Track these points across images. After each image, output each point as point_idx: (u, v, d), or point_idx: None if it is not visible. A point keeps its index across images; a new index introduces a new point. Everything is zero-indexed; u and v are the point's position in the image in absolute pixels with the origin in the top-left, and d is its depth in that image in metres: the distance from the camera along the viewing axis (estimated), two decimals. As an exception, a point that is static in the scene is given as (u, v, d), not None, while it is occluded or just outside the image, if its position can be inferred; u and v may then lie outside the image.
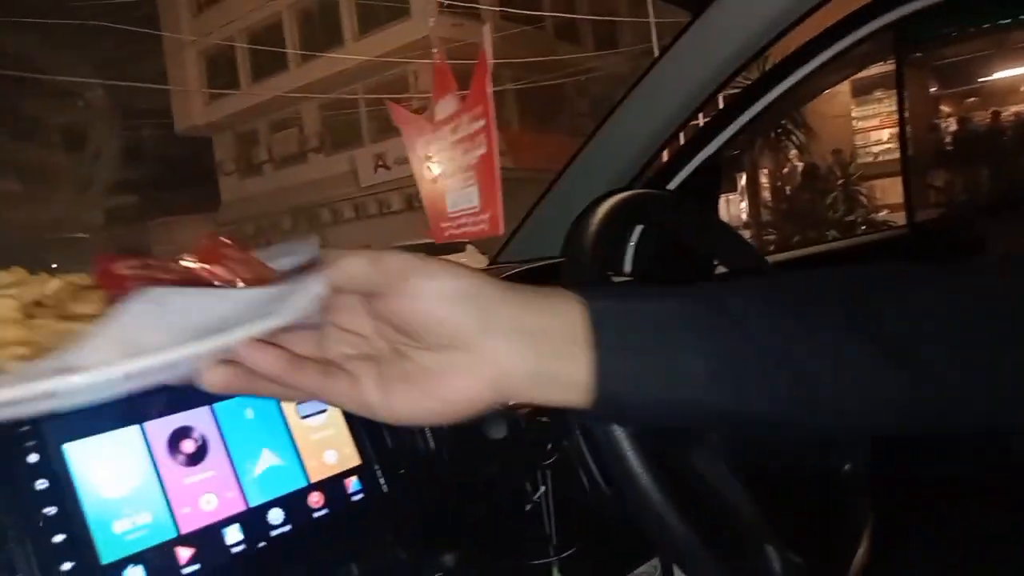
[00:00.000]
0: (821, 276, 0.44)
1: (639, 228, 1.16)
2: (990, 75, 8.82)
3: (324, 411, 0.67)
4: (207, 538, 0.57)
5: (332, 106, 17.53)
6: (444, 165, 0.51)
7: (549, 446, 0.74)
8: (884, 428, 0.45)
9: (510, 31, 14.93)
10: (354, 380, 0.40)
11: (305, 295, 0.36)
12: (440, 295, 0.38)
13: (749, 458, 0.67)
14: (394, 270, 0.38)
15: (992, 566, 0.98)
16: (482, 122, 0.45)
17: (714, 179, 1.19)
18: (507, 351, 0.38)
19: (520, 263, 0.91)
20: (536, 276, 0.90)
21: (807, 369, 0.40)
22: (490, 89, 0.44)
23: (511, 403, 0.42)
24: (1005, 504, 1.05)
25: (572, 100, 16.24)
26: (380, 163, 16.14)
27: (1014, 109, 8.16)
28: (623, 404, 0.41)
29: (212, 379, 0.38)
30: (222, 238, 0.36)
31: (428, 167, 0.52)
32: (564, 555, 0.75)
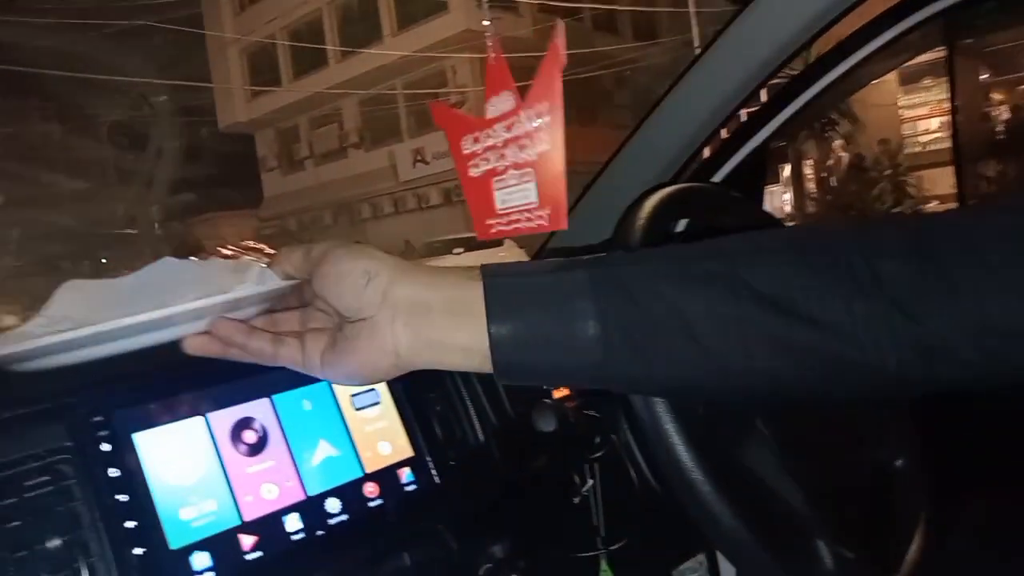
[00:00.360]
0: (707, 244, 0.47)
1: (684, 221, 1.16)
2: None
3: (378, 403, 0.69)
4: (269, 526, 0.59)
5: (371, 102, 17.69)
6: (494, 163, 0.51)
7: (598, 440, 0.74)
8: (782, 387, 0.45)
9: (549, 23, 14.88)
10: (300, 347, 0.49)
11: (253, 280, 0.48)
12: (348, 275, 0.46)
13: (800, 453, 0.67)
14: (316, 257, 0.47)
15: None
16: (547, 118, 0.45)
17: (759, 171, 1.18)
18: (402, 322, 0.45)
19: (565, 255, 0.91)
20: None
21: (696, 330, 0.43)
22: (560, 86, 0.44)
23: (418, 367, 0.48)
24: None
25: (611, 92, 16.14)
26: (419, 158, 16.25)
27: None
28: (521, 368, 0.45)
29: (192, 343, 0.49)
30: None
31: (474, 164, 0.52)
32: (613, 548, 0.75)
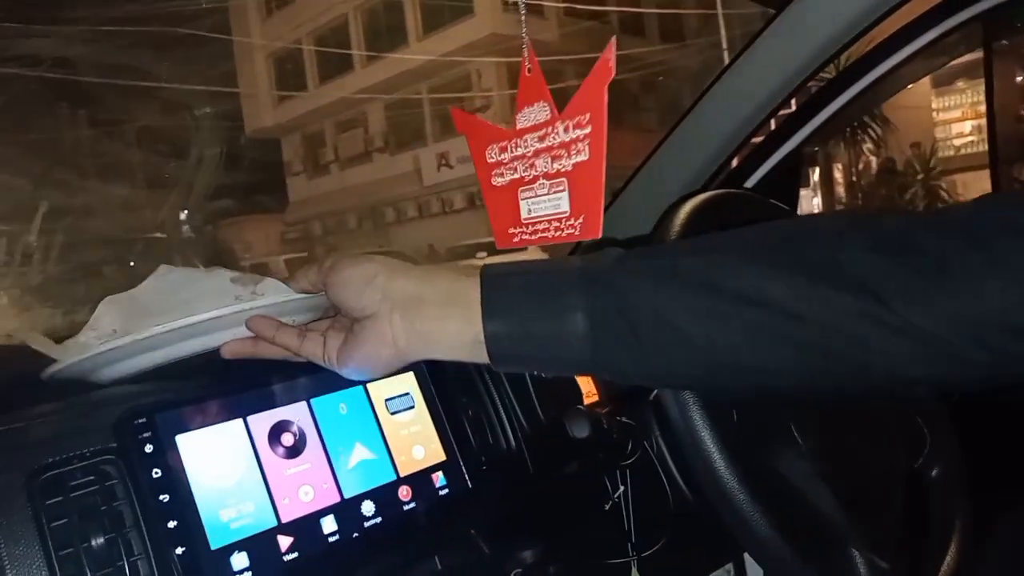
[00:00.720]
0: (696, 241, 0.48)
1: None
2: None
3: (412, 408, 0.69)
4: (305, 527, 0.59)
5: (396, 106, 17.80)
6: (521, 172, 0.51)
7: (630, 446, 0.74)
8: (773, 383, 0.46)
9: (575, 27, 14.88)
10: (322, 343, 0.55)
11: (275, 296, 0.57)
12: (351, 280, 0.52)
13: (835, 461, 0.66)
14: (326, 269, 0.54)
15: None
16: (588, 129, 0.45)
17: (793, 176, 1.17)
18: (399, 315, 0.50)
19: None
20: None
21: (682, 328, 0.44)
22: (604, 99, 0.44)
23: (416, 359, 0.53)
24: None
25: (637, 96, 16.09)
26: (443, 162, 16.32)
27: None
28: (515, 358, 0.48)
29: (228, 348, 0.58)
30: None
31: (499, 174, 0.53)
32: (644, 555, 0.75)
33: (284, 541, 0.58)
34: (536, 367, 0.51)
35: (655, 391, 0.78)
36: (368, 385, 0.68)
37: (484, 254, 10.95)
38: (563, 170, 0.48)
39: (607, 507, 0.76)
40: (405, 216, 18.36)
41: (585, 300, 0.45)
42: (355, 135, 19.11)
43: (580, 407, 0.73)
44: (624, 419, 0.75)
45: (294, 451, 0.61)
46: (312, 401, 0.64)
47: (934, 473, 0.75)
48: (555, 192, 0.49)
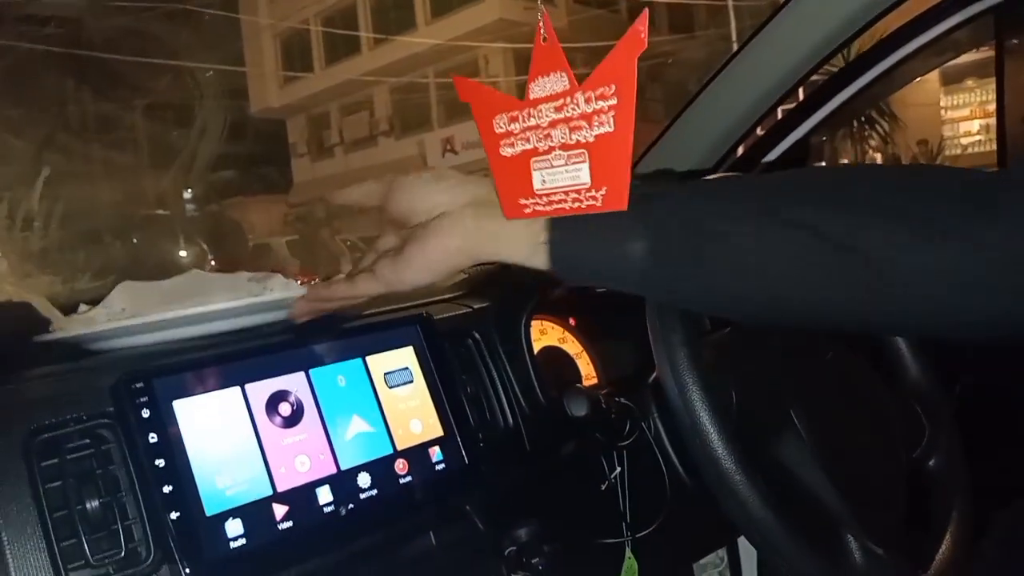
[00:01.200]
0: (751, 179, 0.51)
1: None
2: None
3: (410, 382, 0.69)
4: (301, 497, 0.59)
5: (403, 90, 17.74)
6: (535, 143, 0.50)
7: (628, 427, 0.74)
8: (822, 311, 0.46)
9: (584, 15, 14.80)
10: (372, 275, 0.56)
11: (280, 288, 0.65)
12: (421, 182, 0.55)
13: (834, 447, 0.66)
14: (388, 181, 0.56)
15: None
16: (613, 101, 0.45)
17: (799, 166, 1.16)
18: (471, 215, 0.52)
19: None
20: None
21: (741, 258, 0.45)
22: (634, 69, 0.44)
23: (481, 262, 0.53)
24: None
25: (644, 86, 15.91)
26: (448, 147, 16.28)
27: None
28: (574, 263, 0.50)
29: (295, 310, 0.63)
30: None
31: (509, 144, 0.52)
32: (638, 535, 0.75)
33: (279, 510, 0.58)
34: (594, 279, 0.53)
35: (654, 374, 0.78)
36: (367, 358, 0.68)
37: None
38: (583, 141, 0.47)
39: (603, 488, 0.76)
40: (409, 200, 18.29)
41: (648, 217, 0.47)
42: (361, 118, 19.04)
43: (580, 386, 0.73)
44: (623, 400, 0.75)
45: (291, 421, 0.61)
46: (311, 372, 0.64)
47: (932, 463, 0.75)
48: (574, 163, 0.48)
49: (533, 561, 0.67)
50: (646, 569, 0.77)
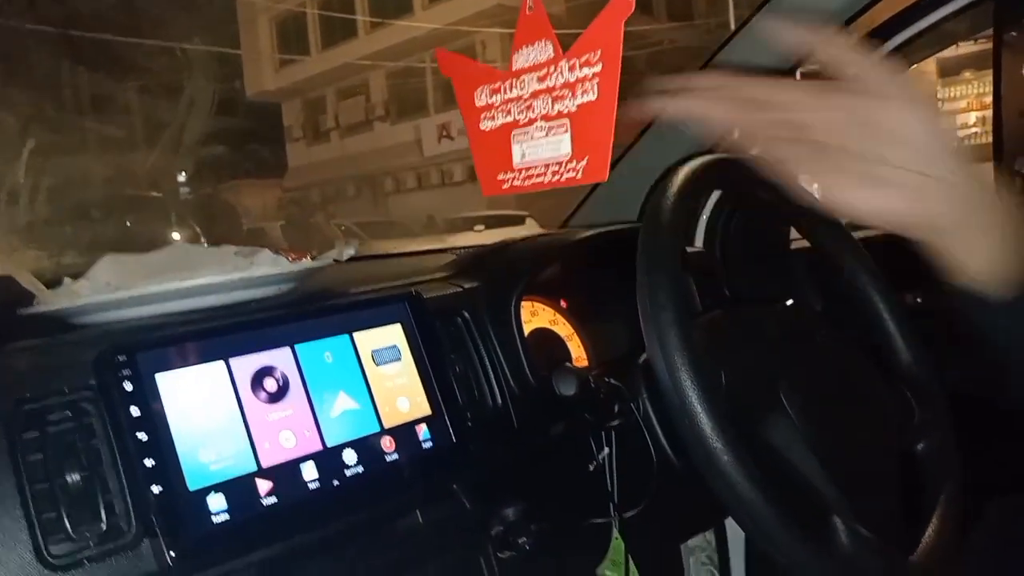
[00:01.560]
0: None
1: (710, 205, 1.15)
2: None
3: (398, 360, 0.69)
4: (285, 473, 0.59)
5: (399, 75, 17.62)
6: (515, 115, 0.49)
7: (616, 407, 0.74)
8: None
9: (580, 1, 14.69)
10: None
11: (268, 263, 0.65)
12: (928, 120, 0.43)
13: (822, 429, 0.66)
14: (898, 80, 0.43)
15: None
16: (598, 68, 0.44)
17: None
18: (947, 199, 0.42)
19: (592, 227, 0.91)
20: (610, 241, 0.90)
21: None
22: (620, 34, 0.43)
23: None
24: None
25: (642, 73, 15.85)
26: (444, 133, 16.21)
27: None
28: None
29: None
30: None
31: (489, 117, 0.51)
32: (626, 515, 0.75)
33: (263, 485, 0.58)
34: None
35: (644, 355, 0.77)
36: (354, 335, 0.67)
37: (482, 227, 10.93)
38: (565, 111, 0.46)
39: (591, 468, 0.75)
40: (404, 186, 18.25)
41: None
42: (356, 103, 18.92)
43: (568, 364, 0.73)
44: (612, 380, 0.74)
45: (277, 396, 0.61)
46: (297, 347, 0.63)
47: (921, 447, 0.75)
48: (555, 134, 0.48)
49: (520, 540, 0.67)
50: (633, 549, 0.77)
